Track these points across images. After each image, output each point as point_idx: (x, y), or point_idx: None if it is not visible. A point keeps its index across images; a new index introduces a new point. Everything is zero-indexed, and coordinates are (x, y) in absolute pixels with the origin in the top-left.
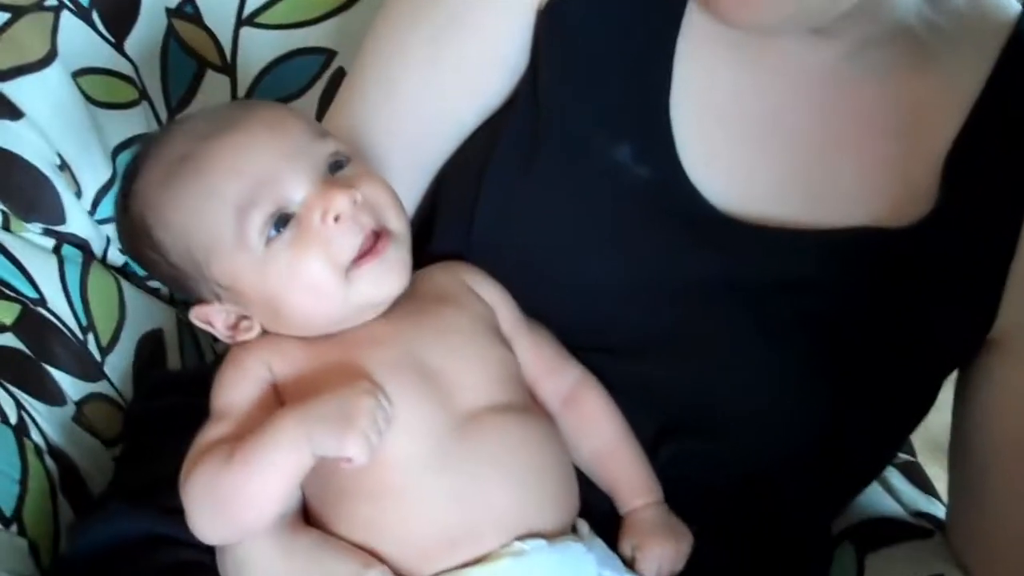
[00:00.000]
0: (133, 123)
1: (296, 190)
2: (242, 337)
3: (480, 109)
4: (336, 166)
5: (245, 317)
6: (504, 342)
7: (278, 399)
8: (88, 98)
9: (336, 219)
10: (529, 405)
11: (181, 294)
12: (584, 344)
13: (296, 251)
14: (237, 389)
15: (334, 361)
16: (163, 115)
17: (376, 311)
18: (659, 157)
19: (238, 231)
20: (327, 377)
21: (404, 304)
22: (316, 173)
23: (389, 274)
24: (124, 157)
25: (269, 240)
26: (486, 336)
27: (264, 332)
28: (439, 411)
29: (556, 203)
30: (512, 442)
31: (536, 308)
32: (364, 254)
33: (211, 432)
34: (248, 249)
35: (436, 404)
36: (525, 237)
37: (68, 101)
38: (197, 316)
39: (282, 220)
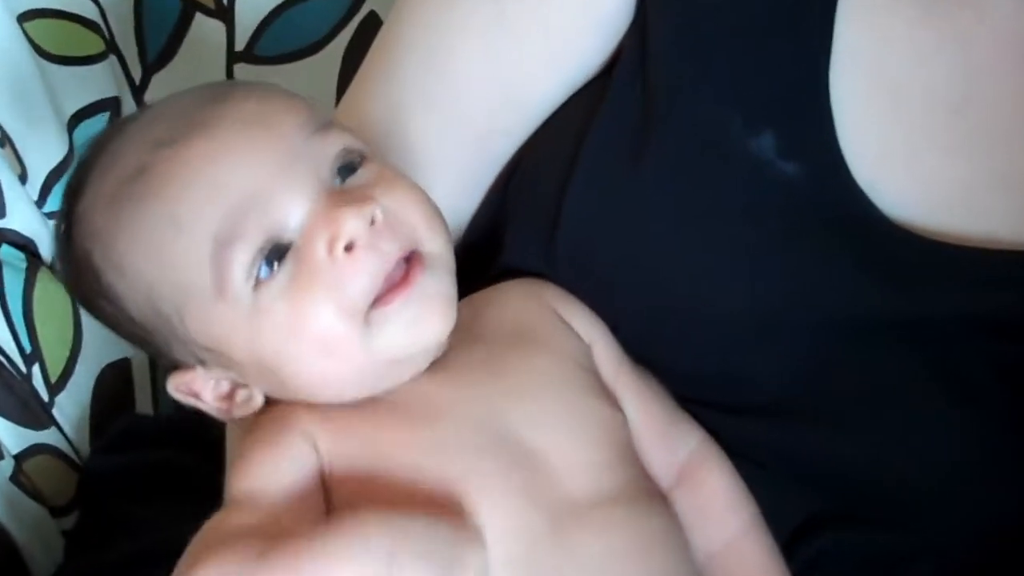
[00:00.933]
0: (97, 83)
1: (291, 212)
2: (240, 412)
3: (563, 84)
4: (346, 170)
5: (242, 385)
6: (608, 397)
7: (324, 488)
8: (38, 49)
9: (348, 248)
10: (645, 490)
11: (150, 354)
12: (703, 399)
13: (295, 296)
14: (272, 472)
15: (393, 442)
16: (136, 73)
17: (416, 365)
18: (813, 149)
19: (217, 274)
20: (391, 467)
21: (467, 345)
22: (318, 184)
23: (426, 314)
24: (84, 129)
25: (259, 283)
26: (586, 390)
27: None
28: (530, 508)
29: (672, 208)
30: (625, 546)
31: (638, 348)
32: (391, 288)
33: (231, 519)
34: (232, 298)
35: (526, 498)
36: (627, 252)
37: (11, 53)
38: (177, 388)
39: (275, 254)
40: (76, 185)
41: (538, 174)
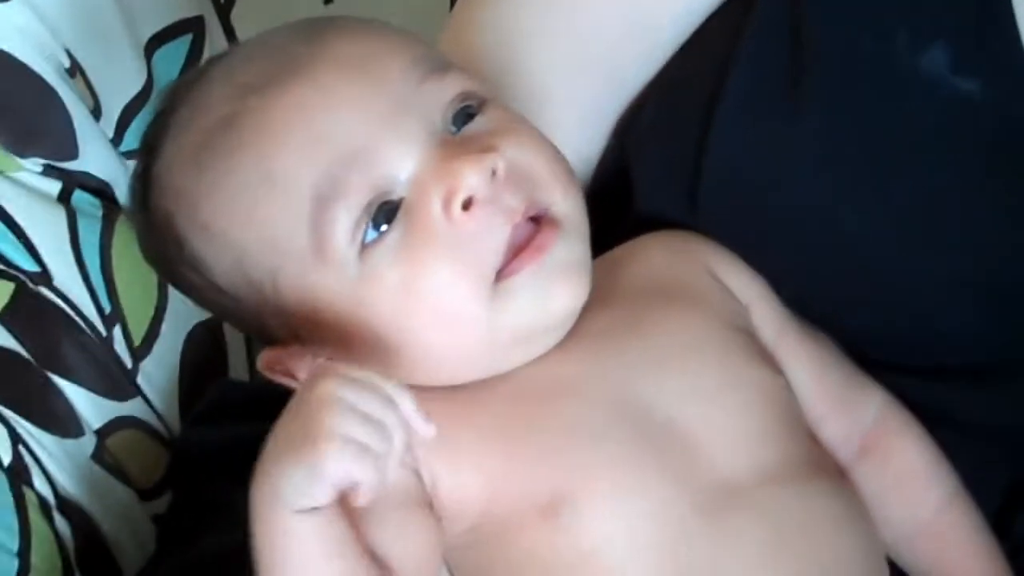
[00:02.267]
0: (177, 3)
1: (400, 165)
2: None
3: (696, 7)
4: (464, 117)
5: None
6: (769, 362)
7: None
8: None
9: (466, 206)
10: (817, 465)
11: (239, 329)
12: (889, 362)
13: (409, 260)
14: None
15: (501, 427)
16: None
17: (544, 344)
18: (995, 61)
19: (317, 236)
20: (507, 459)
21: (600, 308)
22: (430, 135)
23: (558, 286)
24: (164, 56)
25: (365, 246)
26: (741, 354)
27: None
28: (680, 488)
29: (834, 141)
30: (794, 533)
31: (805, 308)
32: (517, 253)
33: None
34: (334, 262)
35: (673, 478)
36: (788, 201)
37: None
38: (269, 365)
39: (383, 214)
40: (153, 140)
41: (673, 112)
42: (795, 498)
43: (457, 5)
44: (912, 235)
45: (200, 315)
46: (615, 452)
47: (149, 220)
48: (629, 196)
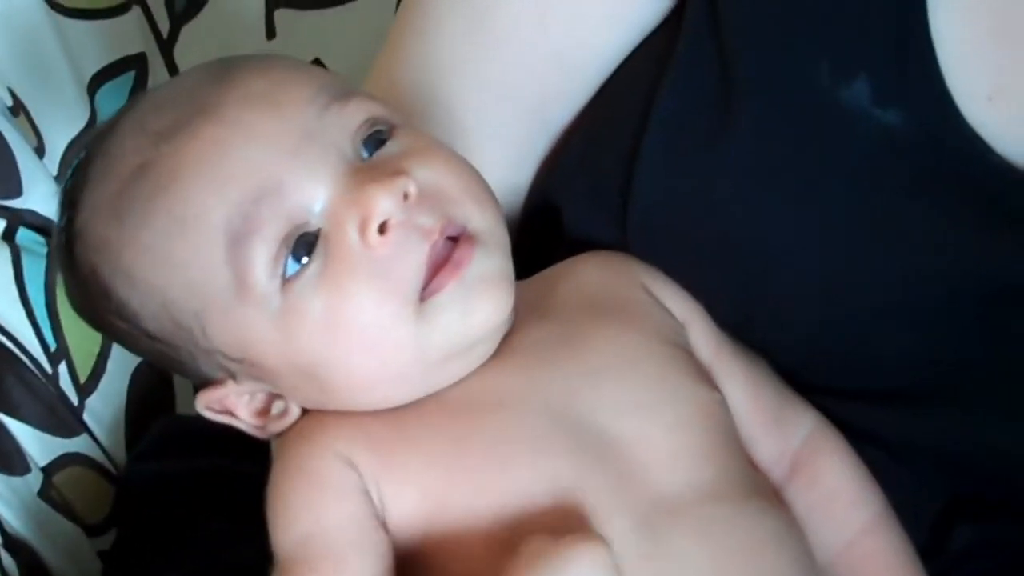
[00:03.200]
0: (119, 39)
1: (313, 195)
2: (275, 427)
3: (621, 42)
4: (375, 143)
5: (277, 396)
6: (706, 378)
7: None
8: (52, 3)
9: (382, 230)
10: (754, 483)
11: (175, 372)
12: (821, 384)
13: (331, 290)
14: (320, 511)
15: (443, 444)
16: (164, 25)
17: (474, 359)
18: (914, 92)
19: (236, 273)
20: (447, 471)
21: (536, 323)
22: (339, 162)
23: (482, 295)
24: (107, 93)
25: (287, 280)
26: (679, 370)
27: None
28: (617, 505)
29: (760, 169)
30: (732, 550)
31: (739, 331)
32: (437, 271)
33: None
34: (256, 297)
35: (611, 494)
36: (715, 226)
37: (21, 9)
38: (208, 405)
39: (303, 245)
40: (72, 194)
41: (602, 141)
42: (735, 516)
43: (387, 41)
44: (839, 261)
45: None
46: (556, 465)
47: (75, 273)
48: (560, 229)
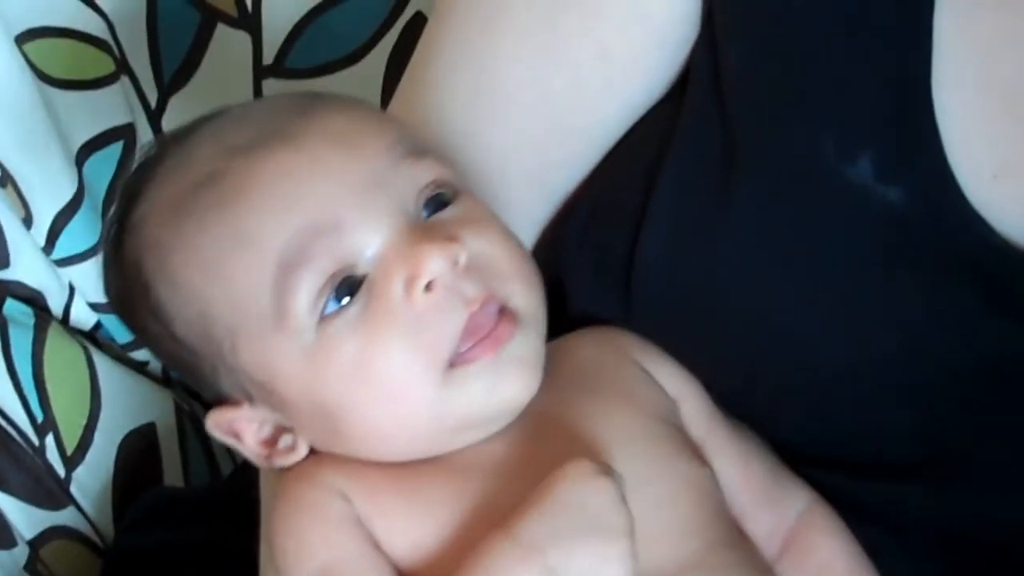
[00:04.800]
0: (108, 109)
1: (368, 241)
2: (281, 460)
3: (624, 110)
4: (436, 204)
5: (287, 429)
6: (696, 454)
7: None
8: (40, 74)
9: (428, 288)
10: (743, 559)
11: (190, 383)
12: (819, 460)
13: (366, 335)
14: (334, 543)
15: (436, 502)
16: (152, 96)
17: (491, 429)
18: (918, 170)
19: (278, 300)
20: (436, 528)
21: (534, 400)
22: (402, 216)
23: (511, 378)
24: (95, 163)
25: (325, 317)
26: (669, 446)
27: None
28: None
29: (764, 248)
30: None
31: (738, 406)
32: (473, 342)
33: None
34: (293, 329)
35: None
36: (718, 301)
37: (10, 79)
38: (217, 424)
39: (346, 288)
40: (134, 187)
41: (605, 212)
42: None
43: (393, 99)
44: (839, 335)
45: (133, 423)
46: None
47: (119, 265)
48: (563, 300)
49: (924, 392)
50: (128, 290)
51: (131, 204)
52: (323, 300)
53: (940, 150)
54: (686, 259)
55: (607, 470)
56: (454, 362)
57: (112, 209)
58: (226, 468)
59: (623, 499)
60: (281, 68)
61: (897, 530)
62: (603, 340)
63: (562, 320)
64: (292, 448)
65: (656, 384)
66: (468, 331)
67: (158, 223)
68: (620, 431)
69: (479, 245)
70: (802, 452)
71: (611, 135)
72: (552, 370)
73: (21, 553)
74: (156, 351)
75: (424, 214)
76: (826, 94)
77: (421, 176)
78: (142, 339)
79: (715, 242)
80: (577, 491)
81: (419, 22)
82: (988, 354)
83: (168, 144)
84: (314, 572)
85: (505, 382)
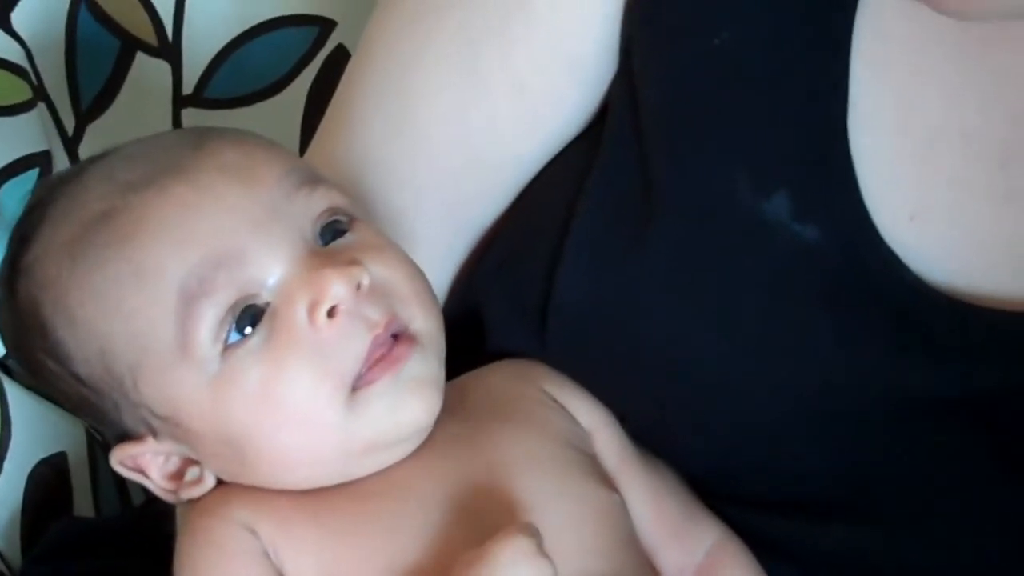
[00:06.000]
0: (24, 136)
1: (269, 270)
2: (188, 494)
3: (542, 145)
4: (332, 232)
5: (193, 462)
6: (605, 481)
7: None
8: None
9: (331, 314)
10: None
11: (90, 422)
12: (732, 494)
13: (270, 363)
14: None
15: (340, 523)
16: (69, 123)
17: (397, 452)
18: (834, 208)
19: (181, 333)
20: (346, 552)
21: (444, 423)
22: (300, 244)
23: (413, 396)
24: (10, 190)
25: (228, 347)
26: (578, 471)
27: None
28: None
29: (677, 284)
30: None
31: (653, 440)
32: (374, 364)
33: None
34: (197, 360)
35: None
36: (632, 337)
37: None
38: (121, 460)
39: (248, 316)
40: (27, 231)
41: (522, 247)
42: None
43: (316, 136)
44: (751, 371)
45: (44, 451)
46: (442, 552)
47: (13, 305)
48: (482, 333)
49: (837, 431)
50: (24, 332)
51: (23, 247)
52: (225, 330)
53: (856, 190)
54: (601, 295)
55: (541, 548)
56: (356, 385)
57: (3, 254)
58: (137, 498)
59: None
60: (201, 98)
61: (810, 568)
62: (516, 372)
63: (480, 353)
64: (199, 480)
65: (568, 415)
66: (370, 354)
67: (54, 263)
68: (528, 454)
69: (378, 269)
70: (716, 488)
71: (528, 170)
72: (463, 399)
73: None
74: (55, 392)
75: (321, 242)
76: (742, 133)
77: (316, 204)
78: (38, 379)
79: (630, 279)
80: (512, 574)
81: (340, 55)
82: (902, 394)
83: (58, 185)
84: None
85: (406, 403)
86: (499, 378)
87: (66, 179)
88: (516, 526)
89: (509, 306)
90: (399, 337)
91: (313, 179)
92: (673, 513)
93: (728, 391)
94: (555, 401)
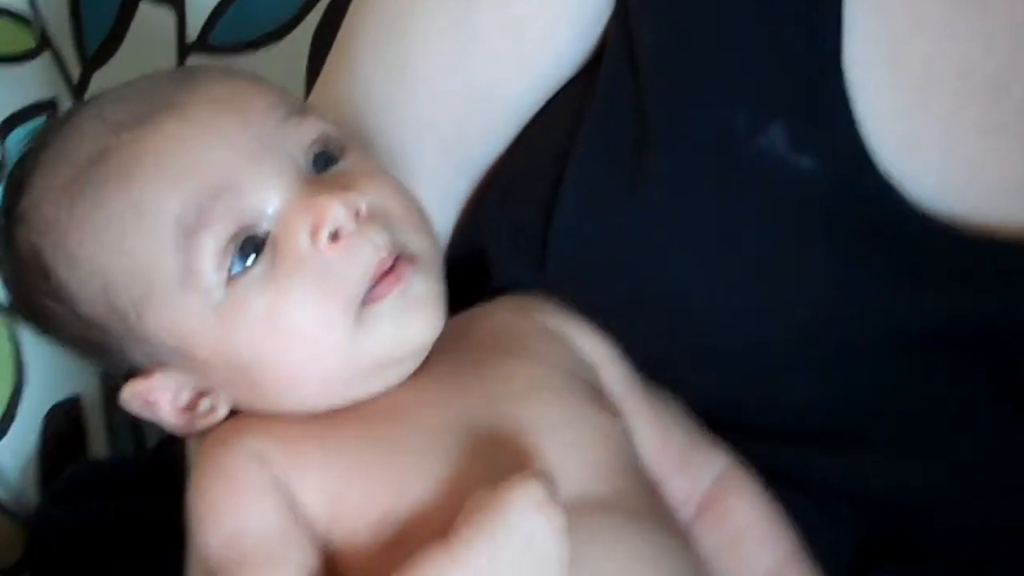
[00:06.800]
0: (30, 85)
1: (266, 199)
2: (202, 424)
3: (538, 84)
4: (325, 160)
5: (204, 393)
6: (609, 407)
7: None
8: None
9: (333, 237)
10: (654, 507)
11: (99, 364)
12: (732, 425)
13: (276, 289)
14: (245, 510)
15: (344, 444)
16: (75, 72)
17: (401, 371)
18: (830, 139)
19: (183, 265)
20: (354, 471)
21: (445, 357)
22: (294, 172)
23: (418, 312)
24: (17, 138)
25: (232, 277)
26: (581, 397)
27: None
28: None
29: (676, 218)
30: (628, 559)
31: (657, 373)
32: (379, 282)
33: None
34: (200, 291)
35: None
36: (633, 273)
37: None
38: (132, 396)
39: (250, 247)
40: (21, 177)
41: (522, 185)
42: (626, 527)
43: (319, 79)
44: (753, 305)
45: (57, 395)
46: (442, 474)
47: (12, 253)
48: (486, 271)
49: (839, 361)
50: (27, 279)
51: (19, 194)
52: (228, 260)
53: (852, 122)
54: (599, 232)
55: (553, 492)
56: (364, 302)
57: (2, 198)
58: (152, 440)
59: (567, 531)
60: (205, 44)
61: (816, 496)
62: (518, 306)
63: (485, 293)
64: (211, 411)
65: (571, 347)
66: (376, 272)
67: (52, 206)
68: (531, 383)
69: (374, 195)
70: (721, 419)
71: (526, 108)
72: (467, 333)
73: None
74: (63, 337)
75: (314, 171)
76: (737, 67)
77: (306, 133)
78: (43, 325)
79: (628, 214)
80: (526, 525)
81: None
82: (900, 323)
83: (48, 132)
84: (224, 539)
85: (411, 319)
86: (501, 313)
87: (56, 126)
88: (531, 472)
89: (511, 243)
90: (399, 258)
91: (301, 109)
92: (678, 442)
93: (728, 326)
94: (558, 334)
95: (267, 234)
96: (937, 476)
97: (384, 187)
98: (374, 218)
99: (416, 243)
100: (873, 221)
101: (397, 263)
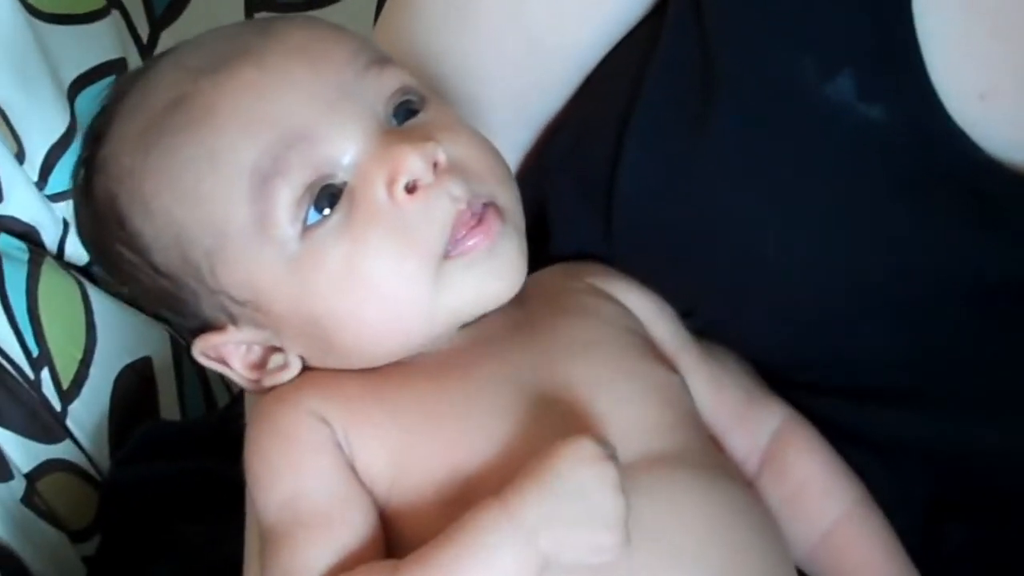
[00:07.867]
0: (99, 44)
1: (343, 149)
2: (272, 381)
3: (600, 33)
4: (405, 112)
5: (276, 349)
6: (664, 361)
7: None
8: (30, 8)
9: (411, 189)
10: (716, 461)
11: (172, 317)
12: (802, 383)
13: (353, 241)
14: (302, 470)
15: (407, 401)
16: (143, 30)
17: (467, 320)
18: (900, 89)
19: (258, 214)
20: (413, 427)
21: (502, 316)
22: (373, 123)
23: (505, 267)
24: (87, 98)
25: (308, 228)
26: (637, 352)
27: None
28: None
29: (744, 168)
30: (693, 513)
31: (722, 330)
32: (469, 232)
33: (300, 557)
34: (275, 241)
35: None
36: (699, 225)
37: (1, 14)
38: (204, 351)
39: (326, 197)
40: (99, 128)
41: (586, 138)
42: (691, 479)
43: (374, 31)
44: (822, 255)
45: (129, 357)
46: (507, 430)
47: (90, 202)
48: (546, 232)
49: (914, 315)
50: (102, 227)
51: (97, 144)
52: (304, 210)
53: (923, 70)
54: (666, 182)
55: (608, 452)
56: (448, 254)
57: (81, 146)
58: (222, 401)
59: (622, 487)
60: (273, 2)
61: (885, 453)
62: (565, 271)
63: (544, 252)
64: (283, 367)
65: (620, 304)
66: (458, 224)
67: (128, 154)
68: (586, 339)
69: (454, 148)
70: (791, 376)
71: (589, 57)
72: (520, 295)
73: (18, 486)
74: (135, 288)
75: (394, 122)
76: (805, 14)
77: (387, 84)
78: (116, 274)
79: (694, 164)
80: (578, 476)
81: None
82: (978, 275)
83: (127, 81)
84: (282, 499)
85: (497, 274)
86: (550, 277)
87: (136, 74)
88: (588, 432)
89: (575, 198)
90: (488, 209)
91: (382, 59)
92: (735, 397)
93: (801, 280)
94: (607, 292)
95: (344, 185)
96: (1009, 436)
97: (466, 140)
98: (453, 170)
99: (501, 197)
100: (945, 171)
101: (485, 215)
